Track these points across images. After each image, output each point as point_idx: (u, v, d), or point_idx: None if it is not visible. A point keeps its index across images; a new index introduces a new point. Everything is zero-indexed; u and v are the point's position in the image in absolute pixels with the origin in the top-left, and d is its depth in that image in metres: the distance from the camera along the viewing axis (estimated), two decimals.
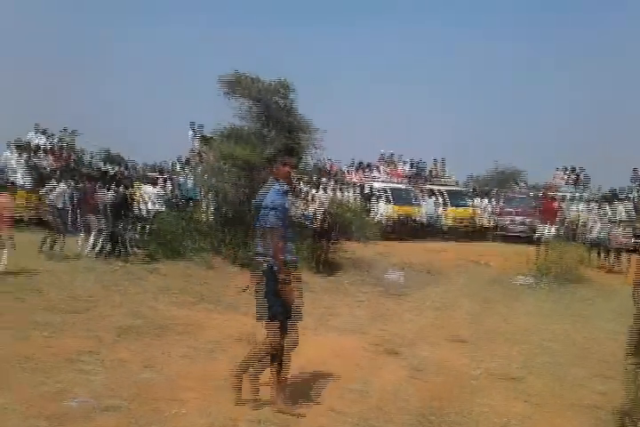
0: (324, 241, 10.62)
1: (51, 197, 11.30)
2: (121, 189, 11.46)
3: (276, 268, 3.61)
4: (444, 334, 6.16)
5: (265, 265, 3.65)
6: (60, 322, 5.83)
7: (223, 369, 4.61)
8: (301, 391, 4.15)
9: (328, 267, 10.24)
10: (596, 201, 14.09)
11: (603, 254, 12.85)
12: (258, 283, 3.74)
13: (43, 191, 11.55)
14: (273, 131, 11.01)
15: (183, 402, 3.87)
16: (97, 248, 10.42)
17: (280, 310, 3.64)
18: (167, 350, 5.07)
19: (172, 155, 20.61)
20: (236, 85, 10.93)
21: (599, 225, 13.13)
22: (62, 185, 11.48)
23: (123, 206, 10.97)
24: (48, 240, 10.51)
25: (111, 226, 10.59)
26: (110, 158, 28.85)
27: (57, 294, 7.22)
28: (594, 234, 13.16)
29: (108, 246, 10.55)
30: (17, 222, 15.64)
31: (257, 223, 3.75)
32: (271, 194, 3.69)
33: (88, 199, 10.69)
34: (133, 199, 11.80)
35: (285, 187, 3.77)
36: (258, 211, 3.73)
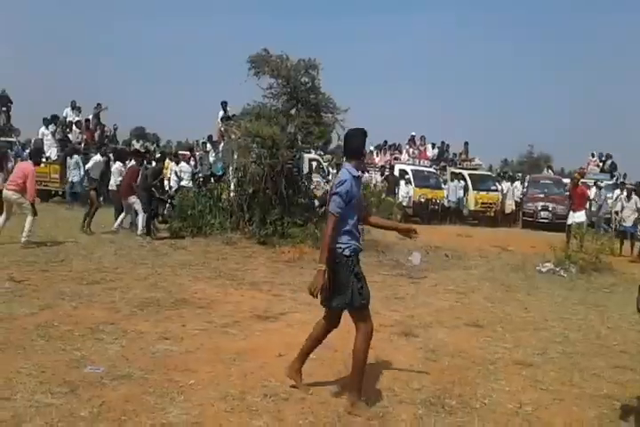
0: None
1: (87, 166, 11.34)
2: (154, 165, 11.55)
3: (347, 252, 3.46)
4: (461, 318, 6.09)
5: (337, 252, 3.46)
6: (85, 293, 5.99)
7: (236, 343, 4.69)
8: (311, 372, 4.16)
9: None
10: (635, 189, 13.68)
11: (633, 244, 12.55)
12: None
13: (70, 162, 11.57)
14: (300, 110, 10.94)
15: (197, 374, 3.93)
16: (140, 227, 10.52)
17: (358, 296, 3.48)
18: (184, 324, 5.15)
19: (203, 133, 20.75)
20: (265, 64, 10.84)
21: (636, 215, 12.78)
22: (97, 156, 11.52)
23: (157, 184, 11.03)
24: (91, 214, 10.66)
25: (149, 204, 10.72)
26: (144, 136, 29.40)
27: (83, 266, 7.39)
28: (628, 223, 12.80)
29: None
30: (52, 196, 16.13)
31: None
32: (339, 179, 3.53)
33: (131, 179, 10.66)
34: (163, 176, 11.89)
35: (356, 172, 3.57)
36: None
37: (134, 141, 25.90)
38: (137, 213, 10.63)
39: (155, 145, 26.45)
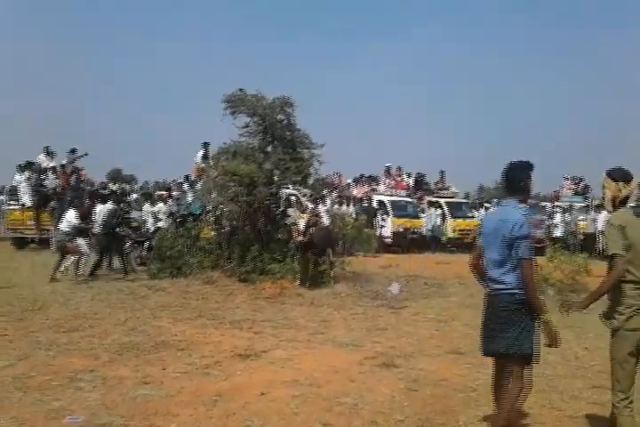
0: (324, 254, 10.66)
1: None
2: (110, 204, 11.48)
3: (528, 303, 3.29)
4: (442, 347, 6.15)
5: (515, 298, 3.32)
6: (62, 341, 5.91)
7: (217, 384, 4.67)
8: (292, 407, 4.16)
9: (328, 280, 10.26)
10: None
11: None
12: (492, 315, 3.42)
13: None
14: (277, 147, 11.14)
15: (178, 418, 3.90)
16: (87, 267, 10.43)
17: (532, 351, 3.35)
18: (165, 367, 5.11)
19: (181, 173, 20.74)
20: (241, 103, 11.07)
21: None
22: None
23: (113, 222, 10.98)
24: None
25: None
26: (121, 178, 29.35)
27: (61, 313, 7.29)
28: None
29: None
30: (28, 243, 15.92)
31: (495, 252, 3.36)
32: (520, 220, 3.30)
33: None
34: (124, 215, 11.82)
35: (524, 211, 3.39)
36: (489, 237, 3.39)
37: (111, 184, 25.85)
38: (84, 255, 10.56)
39: (129, 186, 26.41)
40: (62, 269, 10.44)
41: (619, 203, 3.50)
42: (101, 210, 11.16)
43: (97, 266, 10.58)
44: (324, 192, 21.24)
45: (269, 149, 11.33)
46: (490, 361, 5.50)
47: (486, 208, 21.21)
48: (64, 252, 10.48)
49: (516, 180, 3.45)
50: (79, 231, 10.59)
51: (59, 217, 15.12)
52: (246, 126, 11.34)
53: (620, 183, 3.47)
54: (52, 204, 15.25)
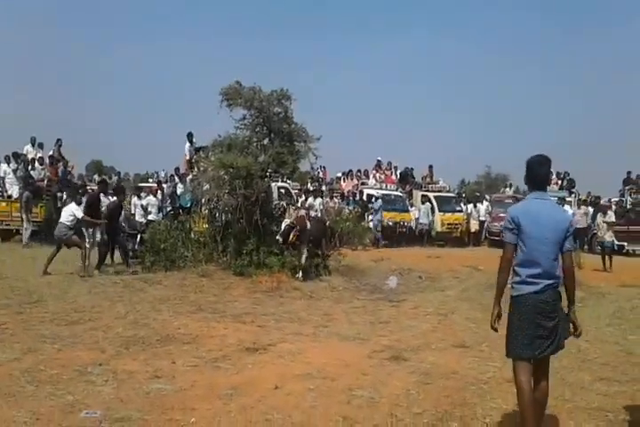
0: (320, 247, 10.68)
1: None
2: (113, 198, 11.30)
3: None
4: (447, 340, 6.20)
5: (558, 290, 3.43)
6: (65, 334, 5.81)
7: (229, 378, 4.64)
8: (309, 400, 4.15)
9: (324, 273, 10.30)
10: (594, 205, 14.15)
11: (606, 257, 13.02)
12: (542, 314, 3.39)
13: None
14: (274, 140, 11.03)
15: (196, 412, 3.87)
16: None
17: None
18: (173, 360, 5.06)
19: (166, 165, 20.54)
20: (237, 96, 10.92)
21: (609, 230, 13.22)
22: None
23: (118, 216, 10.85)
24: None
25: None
26: (102, 169, 28.93)
27: (59, 306, 7.16)
28: (607, 238, 13.22)
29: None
30: (14, 234, 15.60)
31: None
32: (570, 213, 3.50)
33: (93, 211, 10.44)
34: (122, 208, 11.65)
35: None
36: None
37: (95, 176, 25.47)
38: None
39: (110, 178, 26.07)
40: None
41: None
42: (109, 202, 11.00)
43: (103, 259, 10.37)
44: (314, 185, 21.25)
45: (266, 142, 11.22)
46: (497, 355, 5.59)
47: (473, 203, 21.30)
48: (63, 245, 10.09)
49: (547, 174, 3.52)
50: (79, 224, 10.32)
51: (30, 209, 14.90)
52: (243, 119, 11.23)
53: None
54: (25, 194, 14.85)
